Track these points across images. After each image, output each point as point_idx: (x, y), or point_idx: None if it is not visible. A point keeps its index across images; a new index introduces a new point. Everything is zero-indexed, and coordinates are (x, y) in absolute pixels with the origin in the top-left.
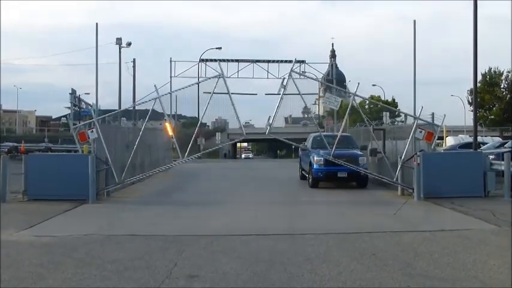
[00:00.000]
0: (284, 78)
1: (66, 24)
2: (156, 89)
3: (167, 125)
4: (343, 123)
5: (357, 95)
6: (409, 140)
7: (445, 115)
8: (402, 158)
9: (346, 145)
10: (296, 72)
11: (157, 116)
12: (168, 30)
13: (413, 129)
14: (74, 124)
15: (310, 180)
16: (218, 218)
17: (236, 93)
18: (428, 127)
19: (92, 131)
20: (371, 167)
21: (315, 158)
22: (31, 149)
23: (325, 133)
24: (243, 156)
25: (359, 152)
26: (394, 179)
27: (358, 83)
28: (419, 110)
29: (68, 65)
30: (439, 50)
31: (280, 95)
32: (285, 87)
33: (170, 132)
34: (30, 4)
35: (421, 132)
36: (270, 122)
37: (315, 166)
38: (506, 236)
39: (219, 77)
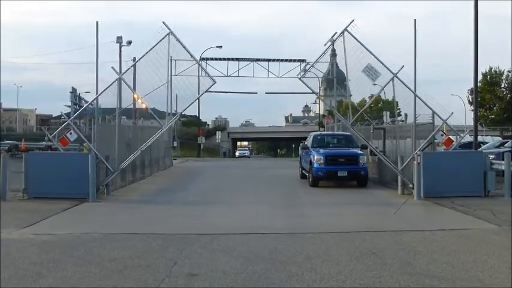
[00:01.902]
0: (336, 32)
1: (66, 23)
2: (115, 70)
3: (135, 97)
4: (366, 108)
5: (398, 77)
6: (428, 138)
7: (469, 131)
8: (419, 149)
9: (346, 144)
10: (348, 32)
11: (157, 114)
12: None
13: (435, 130)
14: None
15: (310, 179)
16: (218, 216)
17: (236, 91)
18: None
19: (71, 133)
20: (371, 166)
21: (315, 157)
22: (31, 147)
23: (325, 132)
24: (237, 154)
25: (359, 151)
26: (400, 169)
27: (403, 66)
28: (449, 115)
29: (68, 64)
30: (440, 50)
31: (328, 46)
32: (333, 42)
33: (144, 105)
34: (30, 3)
35: (442, 135)
36: (307, 68)
37: (315, 165)
38: (506, 235)
39: (169, 35)
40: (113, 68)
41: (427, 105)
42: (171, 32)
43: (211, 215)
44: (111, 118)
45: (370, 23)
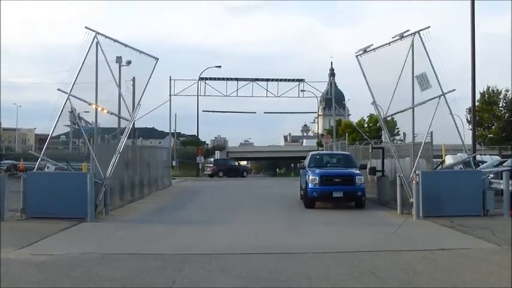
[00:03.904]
0: (408, 30)
1: (65, 42)
2: (62, 90)
3: (94, 107)
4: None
5: (445, 98)
6: (456, 162)
7: (482, 161)
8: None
9: (344, 164)
10: (419, 36)
11: (157, 134)
12: (167, 48)
13: (458, 164)
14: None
15: (305, 200)
16: (217, 236)
17: (235, 111)
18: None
19: (48, 167)
20: (370, 186)
21: (310, 177)
22: (30, 167)
23: (323, 151)
24: None
25: (356, 171)
26: (410, 178)
27: (454, 89)
28: (474, 154)
29: (68, 84)
30: (438, 68)
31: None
32: (402, 38)
33: (105, 111)
34: (30, 22)
35: (460, 168)
36: (367, 50)
37: (309, 185)
38: (505, 254)
39: (96, 36)
40: (59, 89)
41: (459, 133)
42: (98, 33)
43: (210, 234)
44: (109, 138)
45: (368, 42)
